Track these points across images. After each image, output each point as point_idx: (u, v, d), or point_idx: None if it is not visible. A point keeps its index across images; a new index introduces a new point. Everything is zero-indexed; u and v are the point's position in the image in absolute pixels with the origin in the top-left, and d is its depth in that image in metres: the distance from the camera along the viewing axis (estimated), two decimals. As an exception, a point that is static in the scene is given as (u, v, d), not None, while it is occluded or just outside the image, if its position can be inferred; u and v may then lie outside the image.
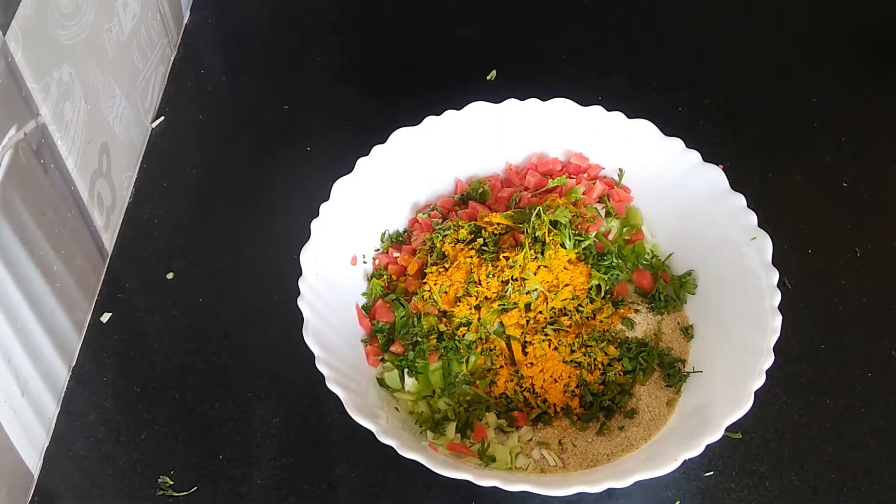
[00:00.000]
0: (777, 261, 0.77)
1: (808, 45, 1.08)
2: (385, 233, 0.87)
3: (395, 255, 0.85)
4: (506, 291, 0.78)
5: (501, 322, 0.79)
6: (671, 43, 1.09)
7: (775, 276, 0.76)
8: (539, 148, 0.90)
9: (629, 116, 0.86)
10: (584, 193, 0.86)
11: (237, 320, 0.86)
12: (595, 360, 0.78)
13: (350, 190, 0.83)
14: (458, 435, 0.76)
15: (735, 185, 0.82)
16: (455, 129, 0.87)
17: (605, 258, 0.82)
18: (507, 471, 0.74)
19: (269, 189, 0.95)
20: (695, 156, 0.84)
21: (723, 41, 1.09)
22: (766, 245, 0.78)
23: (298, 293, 0.75)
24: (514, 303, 0.79)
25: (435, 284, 0.79)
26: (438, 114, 0.87)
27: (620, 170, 0.88)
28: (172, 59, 1.07)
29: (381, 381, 0.79)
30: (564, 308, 0.79)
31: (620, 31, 1.10)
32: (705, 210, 0.83)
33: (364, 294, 0.84)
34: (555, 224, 0.81)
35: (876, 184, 0.95)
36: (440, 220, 0.86)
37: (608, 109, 0.86)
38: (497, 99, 0.88)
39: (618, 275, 0.82)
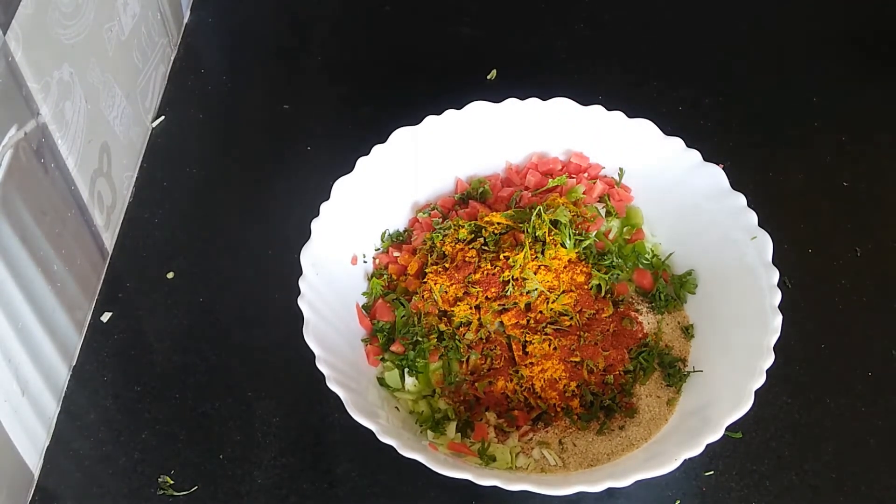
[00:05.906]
0: (777, 260, 0.77)
1: (808, 45, 1.08)
2: (385, 232, 0.87)
3: (396, 254, 0.85)
4: (506, 291, 0.78)
5: (501, 322, 0.79)
6: (671, 42, 1.09)
7: (775, 275, 0.76)
8: (539, 147, 0.90)
9: (629, 116, 0.86)
10: (584, 193, 0.86)
11: (237, 320, 0.86)
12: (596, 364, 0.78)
13: (350, 189, 0.83)
14: (459, 434, 0.76)
15: (735, 185, 0.82)
16: (455, 128, 0.87)
17: (605, 258, 0.82)
18: (507, 470, 0.74)
19: (269, 188, 0.95)
20: (695, 155, 0.84)
21: (723, 41, 1.09)
22: (767, 244, 0.78)
23: (298, 293, 0.75)
24: (515, 302, 0.79)
25: (435, 284, 0.79)
26: (438, 114, 0.87)
27: (620, 169, 0.88)
28: (172, 58, 1.07)
29: (381, 381, 0.78)
30: (565, 308, 0.79)
31: (620, 31, 1.10)
32: (706, 209, 0.83)
33: (364, 293, 0.84)
34: (555, 223, 0.81)
35: (876, 184, 0.95)
36: (440, 220, 0.86)
37: (608, 109, 0.86)
38: (497, 99, 0.88)
39: (618, 274, 0.82)
